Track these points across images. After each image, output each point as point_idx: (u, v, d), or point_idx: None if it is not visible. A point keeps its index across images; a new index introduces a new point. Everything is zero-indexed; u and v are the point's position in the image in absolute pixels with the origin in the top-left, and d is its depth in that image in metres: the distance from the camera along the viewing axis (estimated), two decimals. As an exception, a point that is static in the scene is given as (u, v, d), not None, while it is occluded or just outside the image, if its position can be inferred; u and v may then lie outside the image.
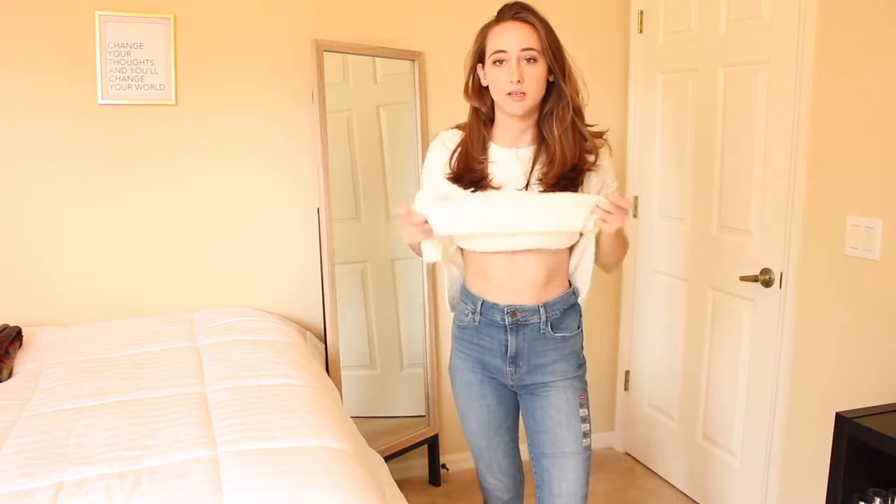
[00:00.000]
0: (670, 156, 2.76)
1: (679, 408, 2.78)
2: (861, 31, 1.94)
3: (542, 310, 1.69)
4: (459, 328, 1.81)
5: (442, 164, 1.69)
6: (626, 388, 3.12)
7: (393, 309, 2.90)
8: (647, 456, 3.02)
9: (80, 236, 2.46)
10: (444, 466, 2.91)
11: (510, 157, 1.65)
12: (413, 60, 2.69)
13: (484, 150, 1.66)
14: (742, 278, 2.33)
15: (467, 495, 2.77)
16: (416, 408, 2.88)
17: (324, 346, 2.51)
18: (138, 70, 2.43)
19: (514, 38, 1.55)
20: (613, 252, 1.70)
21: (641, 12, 2.85)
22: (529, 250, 1.64)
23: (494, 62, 1.58)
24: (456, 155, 1.67)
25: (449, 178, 1.66)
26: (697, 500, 2.72)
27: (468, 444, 1.90)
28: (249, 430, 1.58)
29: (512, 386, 1.77)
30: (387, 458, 2.32)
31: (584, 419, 1.73)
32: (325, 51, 2.40)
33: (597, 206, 1.52)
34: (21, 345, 2.17)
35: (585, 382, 1.78)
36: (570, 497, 1.71)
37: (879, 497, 1.59)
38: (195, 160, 2.54)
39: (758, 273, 2.30)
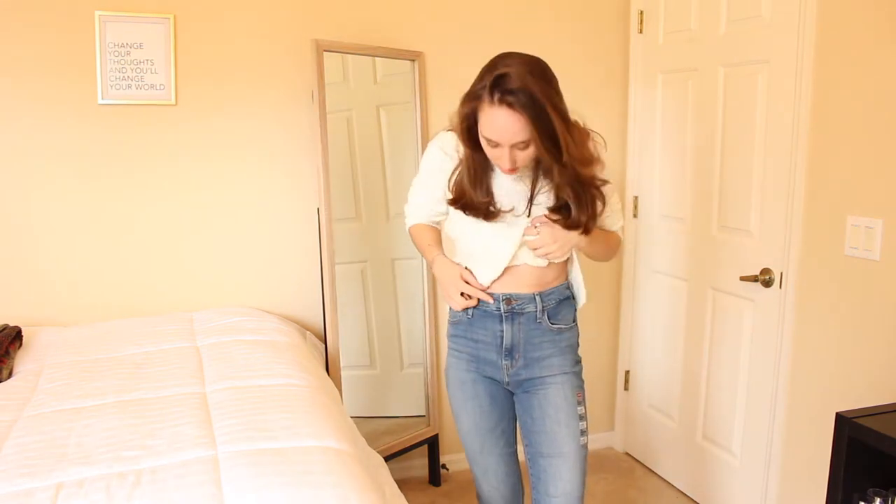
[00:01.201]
0: (670, 156, 2.76)
1: (679, 408, 2.78)
2: (861, 31, 1.94)
3: (538, 298, 1.69)
4: (453, 324, 1.80)
5: (439, 171, 1.69)
6: (626, 388, 3.12)
7: (393, 309, 2.90)
8: (646, 456, 3.02)
9: (80, 236, 2.46)
10: (443, 466, 2.91)
11: (514, 178, 1.64)
12: (413, 60, 2.69)
13: (488, 192, 1.63)
14: (742, 278, 2.33)
15: (467, 495, 2.77)
16: (416, 408, 2.88)
17: (324, 346, 2.51)
18: (138, 70, 2.43)
19: (503, 133, 1.47)
20: (595, 252, 1.77)
21: (641, 12, 2.85)
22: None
23: (487, 140, 1.52)
24: (454, 180, 1.65)
25: (451, 204, 1.66)
26: (697, 500, 2.72)
27: (464, 448, 1.87)
28: (249, 430, 1.58)
29: (508, 384, 1.76)
30: (387, 458, 2.32)
31: (582, 417, 1.73)
32: (325, 51, 2.40)
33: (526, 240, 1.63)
34: (21, 345, 2.17)
35: (582, 380, 1.78)
36: (567, 497, 1.71)
37: (879, 497, 1.59)
38: (195, 160, 2.54)
39: (758, 273, 2.30)
